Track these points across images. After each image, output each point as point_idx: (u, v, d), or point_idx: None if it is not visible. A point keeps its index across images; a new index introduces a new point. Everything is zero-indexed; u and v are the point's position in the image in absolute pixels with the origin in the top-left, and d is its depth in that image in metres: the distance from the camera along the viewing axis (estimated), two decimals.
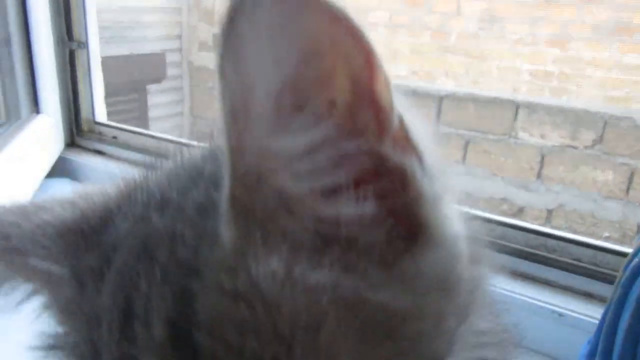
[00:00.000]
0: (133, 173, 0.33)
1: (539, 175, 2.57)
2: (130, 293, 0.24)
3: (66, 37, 1.11)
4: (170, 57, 3.93)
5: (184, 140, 1.13)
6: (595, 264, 0.68)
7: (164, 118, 3.88)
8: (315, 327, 0.20)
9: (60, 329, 0.29)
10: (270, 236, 0.20)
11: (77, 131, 1.18)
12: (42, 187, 0.99)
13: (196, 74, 3.93)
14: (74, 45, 1.12)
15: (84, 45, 1.13)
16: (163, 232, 0.24)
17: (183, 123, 4.00)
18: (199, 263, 0.22)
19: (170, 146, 1.13)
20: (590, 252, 0.73)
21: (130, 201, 0.29)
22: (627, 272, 0.44)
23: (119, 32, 3.47)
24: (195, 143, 1.08)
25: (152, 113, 3.85)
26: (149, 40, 3.83)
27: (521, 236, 0.72)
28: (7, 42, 1.00)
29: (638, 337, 0.42)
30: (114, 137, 1.17)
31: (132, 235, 0.26)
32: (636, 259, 0.43)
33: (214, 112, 3.69)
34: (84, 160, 1.12)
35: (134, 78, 3.56)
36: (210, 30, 3.85)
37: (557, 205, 2.54)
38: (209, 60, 3.80)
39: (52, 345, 0.29)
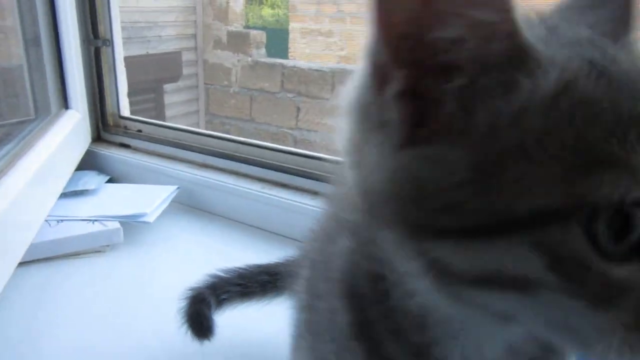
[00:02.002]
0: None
1: None
2: None
3: (92, 36, 1.15)
4: (186, 56, 3.98)
5: (205, 131, 1.17)
6: None
7: (180, 116, 3.94)
8: None
9: None
10: None
11: (103, 125, 1.22)
12: (72, 179, 1.04)
13: (211, 72, 3.97)
14: (100, 43, 1.16)
15: (109, 42, 1.17)
16: None
17: (199, 121, 4.05)
18: None
19: (192, 137, 1.17)
20: None
21: None
22: None
23: (135, 33, 3.53)
24: (212, 133, 1.12)
25: (169, 112, 3.91)
26: (165, 40, 3.88)
27: None
28: (37, 41, 1.04)
29: None
30: (139, 131, 1.21)
31: None
32: None
33: (228, 109, 3.74)
34: (110, 152, 1.16)
35: (151, 77, 3.61)
36: (224, 29, 3.89)
37: None
38: (224, 58, 3.84)
39: None
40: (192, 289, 0.65)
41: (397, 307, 0.29)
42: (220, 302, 0.64)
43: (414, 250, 0.25)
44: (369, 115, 0.26)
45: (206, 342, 0.62)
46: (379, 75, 0.25)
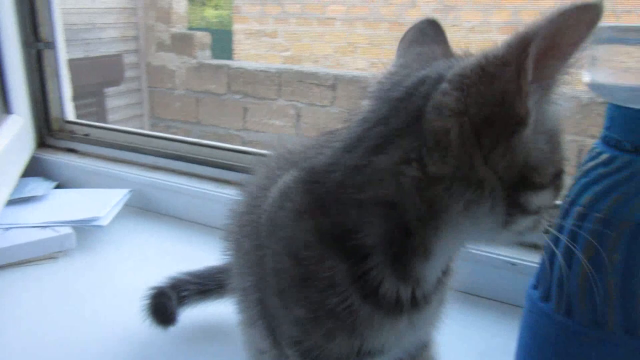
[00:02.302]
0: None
1: None
2: None
3: (33, 38, 1.12)
4: (128, 59, 3.89)
5: (155, 133, 1.16)
6: None
7: (124, 121, 3.84)
8: None
9: None
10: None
11: (48, 130, 1.19)
12: (17, 187, 1.01)
13: (154, 75, 3.89)
14: (41, 46, 1.13)
15: (51, 45, 1.14)
16: None
17: (143, 125, 3.97)
18: None
19: (142, 140, 1.16)
20: None
21: None
22: (561, 211, 0.51)
23: (73, 35, 3.42)
24: (162, 134, 1.12)
25: (112, 116, 3.80)
26: (105, 42, 3.78)
27: None
28: None
29: (572, 259, 0.49)
30: (86, 135, 1.18)
31: None
32: (568, 200, 0.50)
33: (174, 112, 3.68)
34: (57, 158, 1.13)
35: (91, 81, 3.51)
36: (167, 30, 3.82)
37: None
38: (168, 60, 3.78)
39: None
40: (153, 287, 0.66)
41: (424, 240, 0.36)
42: (181, 299, 0.66)
43: (504, 199, 0.34)
44: None
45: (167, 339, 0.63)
46: None
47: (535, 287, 0.55)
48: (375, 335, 0.39)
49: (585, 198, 0.48)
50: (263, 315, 0.45)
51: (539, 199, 0.35)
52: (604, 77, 0.46)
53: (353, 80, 3.07)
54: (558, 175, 0.37)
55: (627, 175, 0.46)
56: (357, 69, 4.24)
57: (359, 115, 0.39)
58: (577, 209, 0.49)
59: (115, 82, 3.85)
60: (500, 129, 0.33)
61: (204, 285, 0.67)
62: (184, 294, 0.66)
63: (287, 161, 0.45)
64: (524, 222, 0.36)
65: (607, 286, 0.47)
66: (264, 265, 0.42)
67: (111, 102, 3.82)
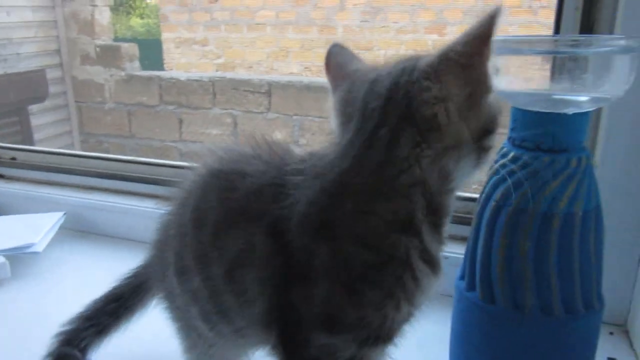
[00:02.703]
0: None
1: None
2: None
3: None
4: (51, 74, 3.73)
5: (86, 153, 1.14)
6: (469, 213, 0.81)
7: (51, 138, 3.68)
8: None
9: None
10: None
11: None
12: None
13: (81, 89, 3.76)
14: None
15: None
16: None
17: (73, 142, 3.82)
18: None
19: (73, 160, 1.13)
20: (463, 203, 0.86)
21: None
22: (479, 206, 0.56)
23: None
24: (94, 154, 1.10)
25: (38, 135, 3.64)
26: (24, 57, 3.61)
27: None
28: None
29: (490, 249, 0.54)
30: (13, 159, 1.15)
31: None
32: (484, 196, 0.55)
33: (105, 127, 3.58)
34: None
35: (11, 99, 3.35)
36: (92, 43, 3.71)
37: None
38: (95, 73, 3.66)
39: None
40: (49, 354, 0.62)
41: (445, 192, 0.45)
42: (84, 349, 0.63)
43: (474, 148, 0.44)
44: None
45: None
46: None
47: (461, 277, 0.60)
48: (422, 297, 0.47)
49: (498, 193, 0.53)
50: (274, 324, 0.47)
51: (493, 140, 0.46)
52: (506, 84, 0.51)
53: (288, 86, 3.09)
54: (498, 118, 0.46)
55: (532, 171, 0.51)
56: (291, 73, 4.27)
57: (346, 132, 0.45)
58: (492, 203, 0.54)
59: (40, 99, 3.68)
60: (475, 100, 0.43)
61: (98, 326, 0.64)
62: (83, 344, 0.63)
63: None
64: (487, 159, 0.46)
65: (522, 272, 0.52)
66: (301, 265, 0.45)
67: (36, 120, 3.65)
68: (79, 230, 1.04)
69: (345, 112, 0.46)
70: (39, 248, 0.88)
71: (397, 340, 0.48)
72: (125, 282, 0.67)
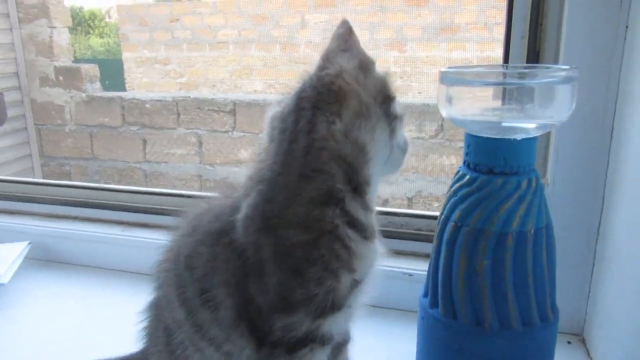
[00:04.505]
0: None
1: None
2: None
3: None
4: (9, 97, 3.65)
5: (50, 181, 1.13)
6: (432, 230, 0.84)
7: (10, 163, 3.59)
8: None
9: None
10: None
11: None
12: None
13: (41, 112, 3.68)
14: None
15: None
16: None
17: (33, 165, 3.73)
18: None
19: (36, 188, 1.12)
20: (426, 222, 0.90)
21: None
22: (439, 227, 0.59)
23: None
24: (56, 182, 1.09)
25: None
26: None
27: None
28: None
29: (451, 268, 0.57)
30: None
31: None
32: (443, 217, 0.58)
33: (66, 150, 3.51)
34: None
35: None
36: (51, 64, 3.64)
37: (415, 193, 2.82)
38: (54, 95, 3.60)
39: None
40: None
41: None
42: None
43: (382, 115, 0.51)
44: None
45: None
46: None
47: (425, 295, 0.62)
48: (361, 262, 0.51)
49: (456, 214, 0.56)
50: (242, 320, 0.52)
51: (396, 107, 0.53)
52: (458, 112, 0.54)
53: (252, 104, 3.11)
54: (389, 85, 0.54)
55: (486, 193, 0.54)
56: (255, 91, 4.29)
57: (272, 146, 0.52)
58: (451, 224, 0.57)
59: None
60: (365, 69, 0.52)
61: None
62: None
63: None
64: (399, 129, 0.54)
65: (481, 289, 0.55)
66: (242, 267, 0.50)
67: None
68: (44, 259, 1.02)
69: (271, 134, 0.52)
70: (5, 280, 0.87)
71: (353, 304, 0.53)
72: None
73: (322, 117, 0.49)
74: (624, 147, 0.65)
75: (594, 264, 0.73)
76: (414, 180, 2.80)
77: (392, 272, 0.83)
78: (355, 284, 0.52)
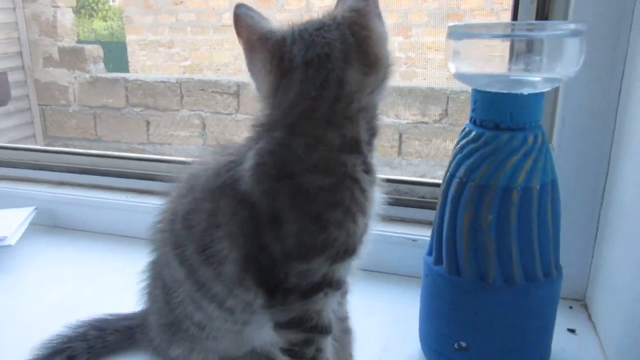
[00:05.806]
0: None
1: (399, 153, 2.83)
2: None
3: None
4: (13, 76, 3.65)
5: (54, 148, 1.13)
6: (436, 198, 0.85)
7: (15, 143, 3.58)
8: None
9: None
10: None
11: None
12: None
13: (45, 92, 3.68)
14: None
15: None
16: None
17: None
18: None
19: (43, 156, 1.12)
20: (430, 189, 0.90)
21: None
22: (444, 184, 0.60)
23: None
24: (63, 149, 1.09)
25: (1, 139, 3.55)
26: None
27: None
28: None
29: (455, 224, 0.57)
30: None
31: None
32: (448, 174, 0.58)
33: (70, 130, 3.51)
34: None
35: None
36: (55, 45, 3.63)
37: (418, 177, 2.82)
38: (58, 76, 3.59)
39: None
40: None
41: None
42: None
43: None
44: None
45: None
46: None
47: (429, 253, 0.63)
48: (371, 206, 0.52)
49: (461, 170, 0.57)
50: (248, 272, 0.51)
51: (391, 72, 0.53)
52: (466, 67, 0.54)
53: None
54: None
55: (492, 148, 0.54)
56: None
57: (287, 85, 0.50)
58: (456, 180, 0.57)
59: (1, 102, 3.58)
60: (384, 36, 0.51)
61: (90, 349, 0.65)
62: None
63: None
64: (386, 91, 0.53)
65: (485, 244, 0.56)
66: (265, 214, 0.50)
67: None
68: (50, 225, 1.03)
69: (280, 67, 0.50)
70: (12, 241, 0.87)
71: (361, 251, 0.53)
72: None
73: (354, 71, 0.49)
74: (631, 108, 0.65)
75: (597, 230, 0.73)
76: (418, 165, 2.80)
77: (397, 238, 0.83)
78: (366, 228, 0.52)
